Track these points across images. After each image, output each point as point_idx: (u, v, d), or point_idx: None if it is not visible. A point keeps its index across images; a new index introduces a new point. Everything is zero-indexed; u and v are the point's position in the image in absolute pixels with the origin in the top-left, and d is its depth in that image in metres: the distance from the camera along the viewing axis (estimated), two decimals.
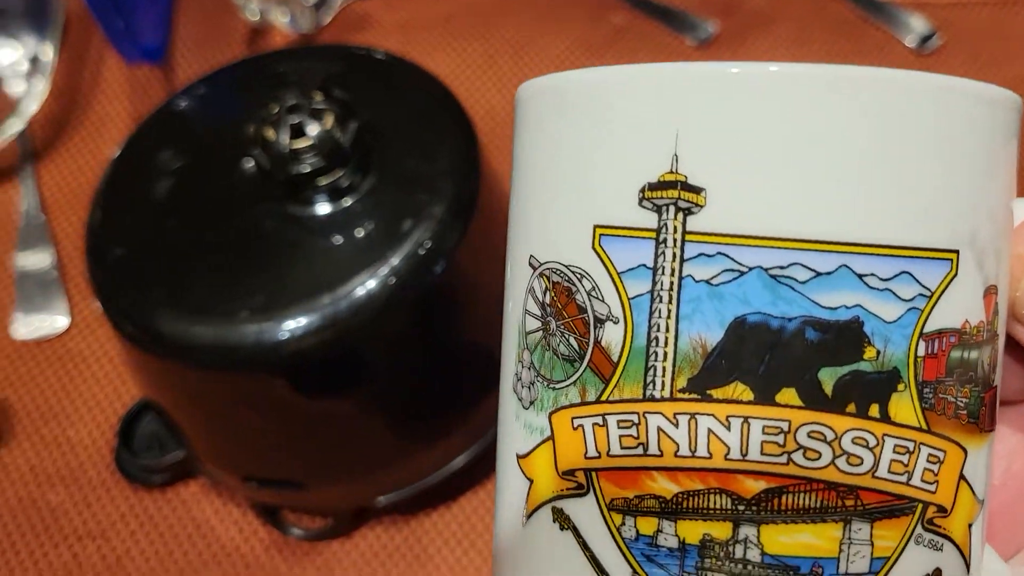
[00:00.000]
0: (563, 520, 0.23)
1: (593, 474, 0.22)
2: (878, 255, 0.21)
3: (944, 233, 0.21)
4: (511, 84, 0.56)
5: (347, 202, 0.37)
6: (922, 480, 0.22)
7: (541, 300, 0.23)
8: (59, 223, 0.52)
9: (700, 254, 0.21)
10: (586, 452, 0.22)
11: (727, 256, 0.21)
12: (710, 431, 0.21)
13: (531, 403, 0.24)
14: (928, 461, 0.22)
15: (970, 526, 0.23)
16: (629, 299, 0.21)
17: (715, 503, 0.21)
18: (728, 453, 0.21)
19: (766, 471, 0.21)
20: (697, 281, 0.21)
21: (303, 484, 0.40)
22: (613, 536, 0.22)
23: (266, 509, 0.43)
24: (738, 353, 0.21)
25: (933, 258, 0.21)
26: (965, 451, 0.22)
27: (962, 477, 0.22)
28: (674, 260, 0.21)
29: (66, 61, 0.57)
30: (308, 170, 0.36)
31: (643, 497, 0.22)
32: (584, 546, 0.23)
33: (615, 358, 0.22)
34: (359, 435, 0.39)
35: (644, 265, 0.21)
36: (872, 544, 0.21)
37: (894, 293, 0.21)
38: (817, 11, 0.58)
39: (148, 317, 0.36)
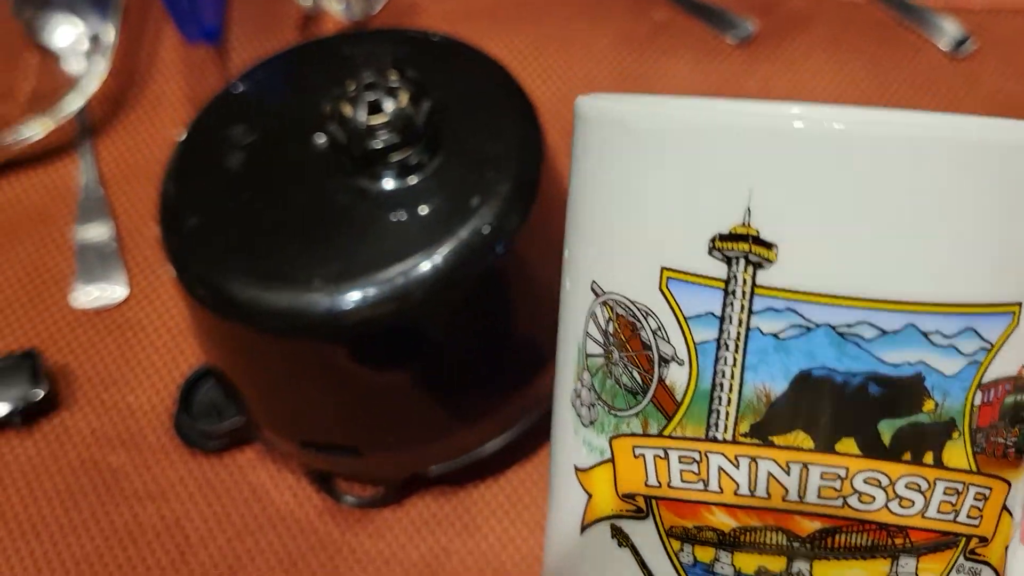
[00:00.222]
0: (622, 538, 0.24)
1: (653, 501, 0.23)
2: (944, 313, 0.21)
3: (1009, 288, 0.22)
4: (556, 76, 0.58)
5: (414, 180, 0.39)
6: (968, 516, 0.23)
7: (603, 328, 0.24)
8: (117, 197, 0.54)
9: (769, 308, 0.21)
10: (647, 480, 0.23)
11: (796, 312, 0.21)
12: (770, 474, 0.22)
13: (591, 422, 0.25)
14: (975, 499, 0.23)
15: (1006, 548, 0.24)
16: (695, 344, 0.22)
17: (771, 539, 0.22)
18: (786, 495, 0.22)
19: (822, 512, 0.22)
20: (764, 334, 0.21)
21: (360, 451, 0.42)
22: (671, 559, 0.23)
23: (320, 476, 0.45)
24: (801, 405, 0.21)
25: (996, 313, 0.22)
26: (1009, 484, 0.24)
27: (1004, 508, 0.24)
28: (742, 312, 0.21)
29: (124, 40, 0.58)
30: (382, 146, 0.38)
31: (701, 528, 0.23)
32: (642, 565, 0.24)
33: (679, 397, 0.22)
34: (416, 405, 0.41)
35: (712, 313, 0.22)
36: None
37: (957, 349, 0.21)
38: (853, 13, 0.59)
39: (223, 282, 0.38)
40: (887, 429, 0.21)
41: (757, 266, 0.21)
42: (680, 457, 0.23)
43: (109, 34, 0.55)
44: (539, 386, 0.43)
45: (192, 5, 0.50)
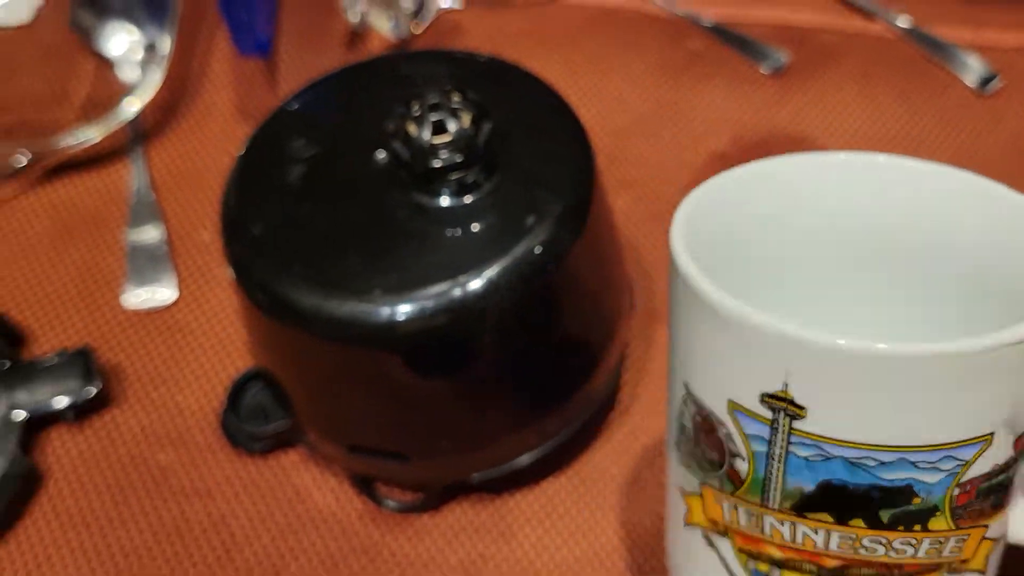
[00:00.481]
0: (709, 542, 0.34)
1: (728, 529, 0.33)
2: (928, 451, 0.28)
3: (985, 426, 0.28)
4: (593, 98, 0.60)
5: (470, 198, 0.40)
6: (950, 551, 0.31)
7: (693, 416, 0.32)
8: (167, 202, 0.55)
9: (801, 443, 0.29)
10: (724, 517, 0.33)
11: (819, 448, 0.29)
12: (804, 533, 0.31)
13: (687, 467, 0.34)
14: (956, 543, 0.31)
15: (988, 557, 0.32)
16: (752, 453, 0.30)
17: (806, 568, 0.32)
18: (815, 546, 0.31)
19: (840, 556, 0.31)
20: (799, 457, 0.29)
21: (407, 457, 0.43)
22: (742, 565, 0.34)
23: (362, 480, 0.46)
24: (824, 499, 0.30)
25: (971, 443, 0.29)
26: (987, 526, 0.31)
27: (984, 538, 0.31)
28: (783, 442, 0.29)
29: (177, 50, 0.60)
30: (442, 165, 0.39)
31: (760, 554, 0.33)
32: (724, 563, 0.34)
33: (743, 478, 0.31)
34: (463, 414, 0.43)
35: (762, 438, 0.30)
36: None
37: (938, 468, 0.29)
38: (884, 48, 0.61)
39: (286, 289, 0.39)
40: (885, 514, 0.30)
41: (793, 417, 0.29)
42: (745, 511, 0.32)
43: (165, 44, 0.57)
44: (577, 402, 0.44)
45: (250, 17, 0.51)
